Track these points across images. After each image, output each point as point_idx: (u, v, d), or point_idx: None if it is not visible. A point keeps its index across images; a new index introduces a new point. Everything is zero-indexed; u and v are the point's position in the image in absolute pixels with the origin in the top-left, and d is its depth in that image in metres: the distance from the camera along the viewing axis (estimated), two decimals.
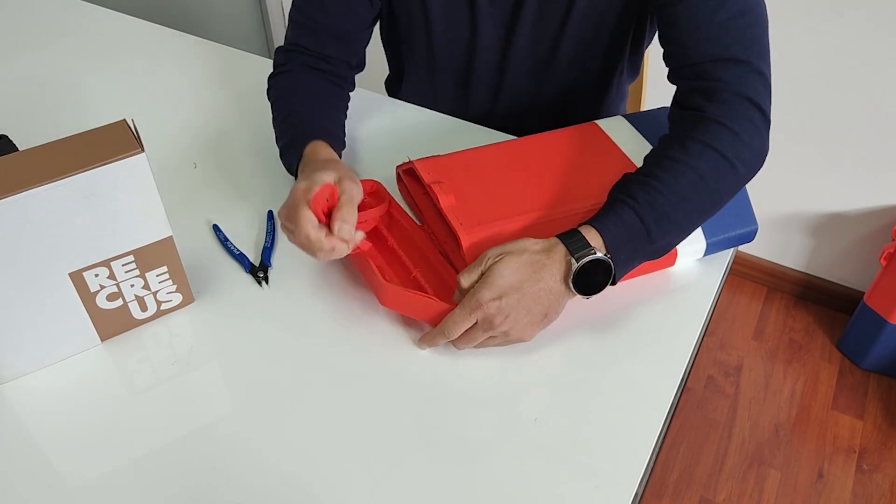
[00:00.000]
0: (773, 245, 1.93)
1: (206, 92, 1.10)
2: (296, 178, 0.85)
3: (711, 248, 0.84)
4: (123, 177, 0.66)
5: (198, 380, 0.73)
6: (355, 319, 0.79)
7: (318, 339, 0.77)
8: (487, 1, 0.96)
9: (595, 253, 0.72)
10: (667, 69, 0.86)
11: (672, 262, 0.83)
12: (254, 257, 0.85)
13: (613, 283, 0.76)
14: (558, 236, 0.75)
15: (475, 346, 0.75)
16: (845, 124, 1.64)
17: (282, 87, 0.96)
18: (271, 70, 0.98)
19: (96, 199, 0.65)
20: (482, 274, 0.74)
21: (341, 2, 0.95)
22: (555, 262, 0.73)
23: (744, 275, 2.01)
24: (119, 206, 0.67)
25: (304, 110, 0.92)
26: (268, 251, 0.85)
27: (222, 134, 1.03)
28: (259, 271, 0.83)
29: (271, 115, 0.95)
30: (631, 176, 0.78)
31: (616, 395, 0.72)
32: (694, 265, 0.86)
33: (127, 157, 0.65)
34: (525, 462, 0.67)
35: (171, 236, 0.73)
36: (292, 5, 0.99)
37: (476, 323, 0.73)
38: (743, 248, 1.96)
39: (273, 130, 0.93)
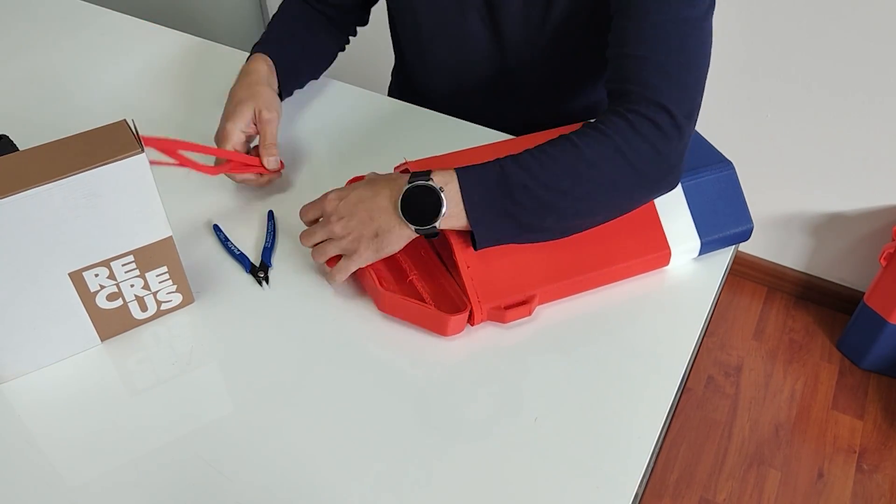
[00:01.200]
0: (773, 245, 1.93)
1: (206, 92, 1.10)
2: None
3: (706, 248, 0.84)
4: (123, 177, 0.66)
5: (198, 380, 0.73)
6: (355, 319, 0.79)
7: (319, 340, 0.77)
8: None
9: (429, 181, 0.73)
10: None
11: (667, 262, 0.83)
12: (254, 257, 0.85)
13: (476, 244, 0.74)
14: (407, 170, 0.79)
15: (317, 252, 0.79)
16: (845, 124, 1.64)
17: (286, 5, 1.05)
18: None
19: (96, 199, 0.65)
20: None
21: None
22: (390, 183, 0.77)
23: (744, 275, 2.01)
24: (119, 206, 0.67)
25: (273, 23, 1.04)
26: (268, 251, 0.85)
27: None
28: (259, 271, 0.83)
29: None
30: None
31: (616, 395, 0.72)
32: (694, 265, 0.86)
33: (127, 157, 0.65)
34: (525, 462, 0.67)
35: (170, 236, 0.73)
36: None
37: (321, 219, 0.79)
38: (743, 248, 1.96)
39: None
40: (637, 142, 0.74)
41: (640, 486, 0.66)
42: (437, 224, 0.73)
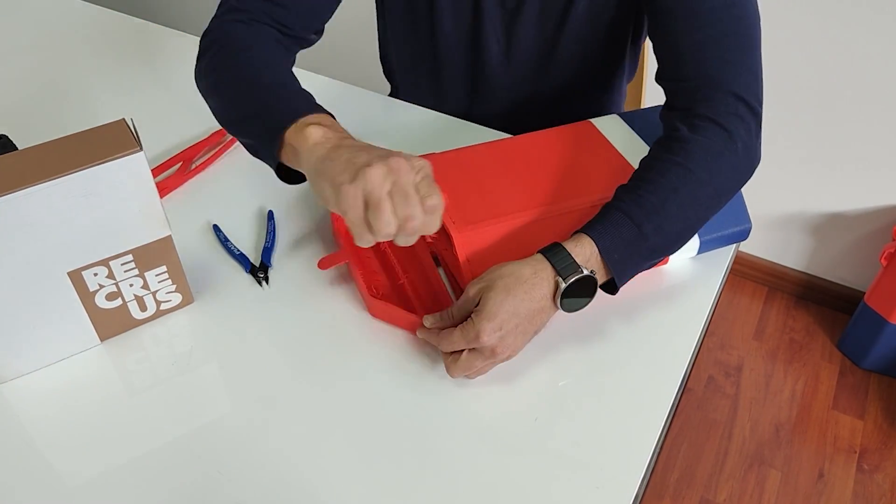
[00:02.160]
0: (773, 245, 1.93)
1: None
2: (275, 157, 0.73)
3: (705, 247, 0.84)
4: (122, 176, 0.66)
5: (197, 380, 0.73)
6: (355, 319, 0.79)
7: (318, 340, 0.77)
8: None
9: (581, 271, 0.71)
10: (656, 71, 0.86)
11: (665, 261, 0.83)
12: (254, 257, 0.85)
13: (614, 291, 0.75)
14: (542, 252, 0.73)
15: (469, 375, 0.72)
16: (845, 124, 1.64)
17: (244, 45, 0.81)
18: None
19: (95, 198, 0.65)
20: (475, 301, 0.71)
21: None
22: (543, 282, 0.71)
23: (744, 275, 2.01)
24: (118, 206, 0.67)
25: (286, 76, 0.79)
26: (268, 251, 0.85)
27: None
28: (259, 271, 0.83)
29: (221, 79, 0.80)
30: (620, 186, 0.78)
31: (617, 396, 0.72)
32: (694, 265, 0.85)
33: (125, 156, 0.65)
34: (525, 462, 0.67)
35: (170, 236, 0.73)
36: None
37: (474, 350, 0.70)
38: (743, 247, 1.96)
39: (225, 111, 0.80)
40: (732, 145, 0.76)
41: (640, 486, 0.66)
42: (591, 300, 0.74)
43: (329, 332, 0.77)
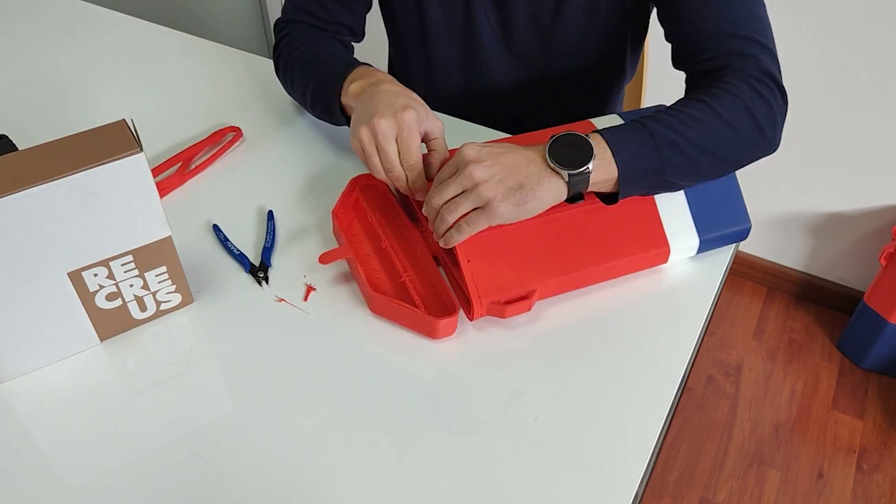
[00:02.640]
0: (773, 245, 1.93)
1: (206, 92, 1.10)
2: (336, 107, 0.88)
3: (704, 246, 0.84)
4: (122, 176, 0.66)
5: (197, 380, 0.73)
6: (354, 319, 0.79)
7: (318, 339, 0.77)
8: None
9: (575, 133, 0.73)
10: (671, 56, 0.88)
11: (665, 260, 0.83)
12: (253, 257, 0.85)
13: (619, 196, 0.75)
14: None
15: (448, 209, 0.73)
16: (845, 124, 1.64)
17: (296, 46, 0.96)
18: (273, 63, 1.02)
19: (95, 198, 0.65)
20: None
21: None
22: (534, 145, 0.75)
23: (744, 275, 2.01)
24: (118, 206, 0.67)
25: (333, 51, 0.95)
26: (268, 251, 0.85)
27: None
28: (259, 271, 0.83)
29: (287, 77, 0.98)
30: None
31: (616, 395, 0.72)
32: (694, 265, 0.85)
33: (125, 157, 0.65)
34: (525, 462, 0.67)
35: (169, 236, 0.73)
36: None
37: (462, 193, 0.73)
38: (743, 247, 1.96)
39: (295, 94, 0.98)
40: (760, 102, 0.79)
41: (640, 485, 0.66)
42: (590, 167, 0.72)
43: (328, 332, 0.77)
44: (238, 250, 0.85)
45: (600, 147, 0.73)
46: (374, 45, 1.22)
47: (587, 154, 0.72)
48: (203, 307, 0.80)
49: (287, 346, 0.76)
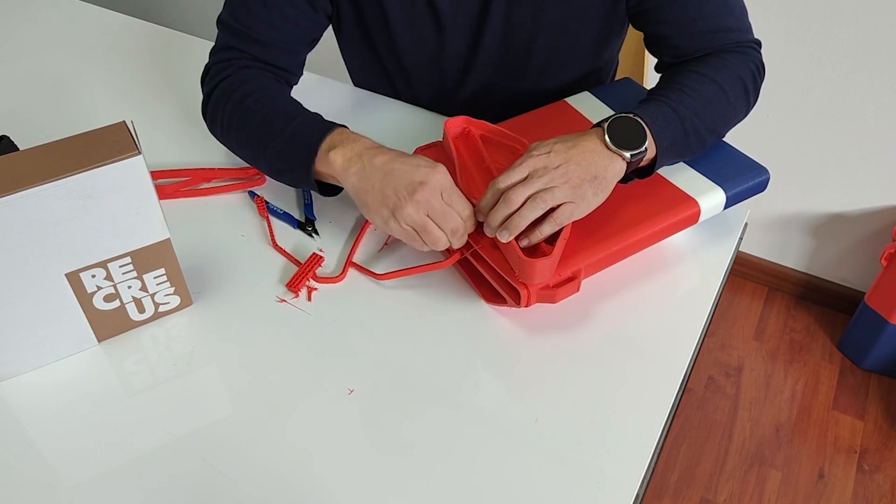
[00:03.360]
0: (773, 245, 1.92)
1: None
2: (307, 176, 0.80)
3: (731, 200, 0.85)
4: (121, 178, 0.65)
5: (196, 381, 0.73)
6: (354, 318, 0.79)
7: (317, 339, 0.77)
8: (452, 12, 0.93)
9: (625, 114, 0.78)
10: (655, 64, 0.93)
11: (696, 219, 0.83)
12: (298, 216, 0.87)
13: (651, 168, 0.81)
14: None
15: (529, 208, 0.73)
16: (846, 124, 1.64)
17: (242, 93, 0.86)
18: (201, 106, 0.92)
19: (93, 200, 0.65)
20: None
21: (288, 21, 0.89)
22: (590, 132, 0.78)
23: (744, 275, 2.01)
24: (116, 208, 0.67)
25: (292, 108, 0.85)
26: (309, 207, 0.89)
27: None
28: (308, 225, 0.87)
29: (229, 130, 0.87)
30: (653, 91, 0.86)
31: (617, 396, 0.72)
32: (694, 265, 0.85)
33: (124, 159, 0.64)
34: (526, 462, 0.67)
35: (168, 239, 0.72)
36: (224, 8, 0.90)
37: (528, 177, 0.74)
38: (743, 248, 1.96)
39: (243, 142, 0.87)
40: (750, 74, 0.87)
41: (640, 486, 0.66)
42: (646, 146, 0.77)
43: (327, 332, 0.77)
44: (281, 210, 0.88)
45: (646, 129, 0.78)
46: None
47: (643, 134, 0.77)
48: (202, 309, 0.80)
49: (287, 347, 0.76)
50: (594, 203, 0.76)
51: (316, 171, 0.81)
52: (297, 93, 1.06)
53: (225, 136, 0.90)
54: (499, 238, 0.74)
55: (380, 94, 1.10)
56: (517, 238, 0.74)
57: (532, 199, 0.73)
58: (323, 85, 1.12)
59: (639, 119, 0.78)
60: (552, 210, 0.74)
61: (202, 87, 0.92)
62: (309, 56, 0.98)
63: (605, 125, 0.77)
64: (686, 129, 0.81)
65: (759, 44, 0.91)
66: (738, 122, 0.88)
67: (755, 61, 0.89)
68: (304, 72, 0.99)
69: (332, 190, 0.85)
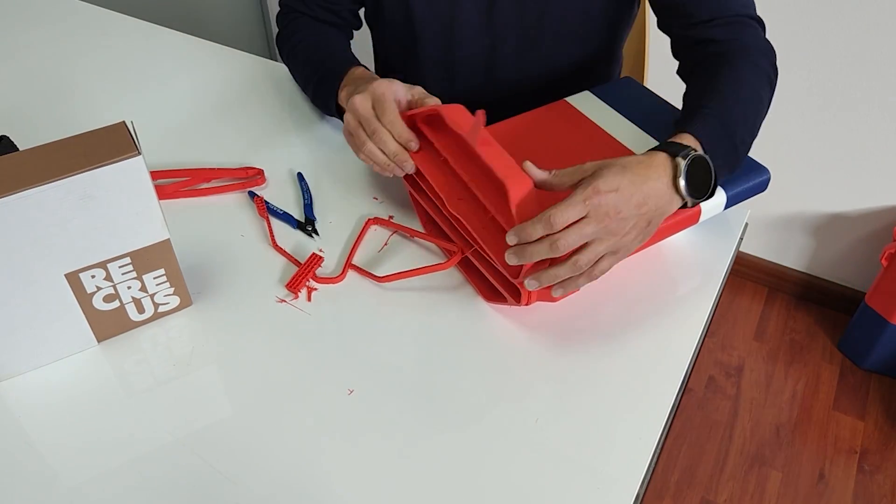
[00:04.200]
0: (773, 245, 1.92)
1: (206, 92, 1.10)
2: (334, 105, 0.94)
3: (731, 200, 0.84)
4: (120, 179, 0.65)
5: (195, 382, 0.73)
6: (354, 319, 0.79)
7: (317, 341, 0.77)
8: None
9: (696, 151, 0.72)
10: (670, 43, 0.93)
11: (696, 220, 0.83)
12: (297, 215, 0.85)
13: (712, 192, 0.76)
14: (655, 147, 0.74)
15: (585, 258, 0.68)
16: (845, 124, 1.64)
17: (299, 38, 1.02)
18: (277, 48, 1.07)
19: (93, 200, 0.65)
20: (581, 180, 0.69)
21: None
22: (659, 165, 0.71)
23: (745, 275, 2.01)
24: (115, 208, 0.67)
25: (332, 51, 1.00)
26: (309, 207, 0.90)
27: (222, 135, 1.03)
28: (307, 225, 0.87)
29: (292, 68, 1.05)
30: (698, 102, 0.82)
31: (617, 396, 0.72)
32: (694, 266, 0.85)
33: (123, 160, 0.64)
34: (526, 462, 0.67)
35: (168, 239, 0.72)
36: None
37: (585, 217, 0.67)
38: (744, 248, 1.96)
39: (298, 85, 1.06)
40: (774, 81, 0.87)
41: (641, 486, 0.65)
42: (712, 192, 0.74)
43: (327, 332, 0.77)
44: (281, 210, 0.88)
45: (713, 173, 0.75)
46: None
47: (710, 180, 0.74)
48: (202, 309, 0.80)
49: (287, 348, 0.76)
50: (635, 245, 0.72)
51: (338, 106, 0.94)
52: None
53: (291, 69, 1.07)
54: (526, 285, 0.70)
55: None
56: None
57: (589, 271, 0.69)
58: None
59: (709, 161, 0.73)
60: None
61: (277, 21, 1.09)
62: None
63: (683, 166, 0.71)
64: (734, 163, 0.80)
65: (762, 24, 0.91)
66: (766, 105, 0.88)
67: (769, 50, 0.88)
68: None
69: None
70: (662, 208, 0.72)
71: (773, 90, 0.87)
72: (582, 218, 0.67)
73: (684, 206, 0.76)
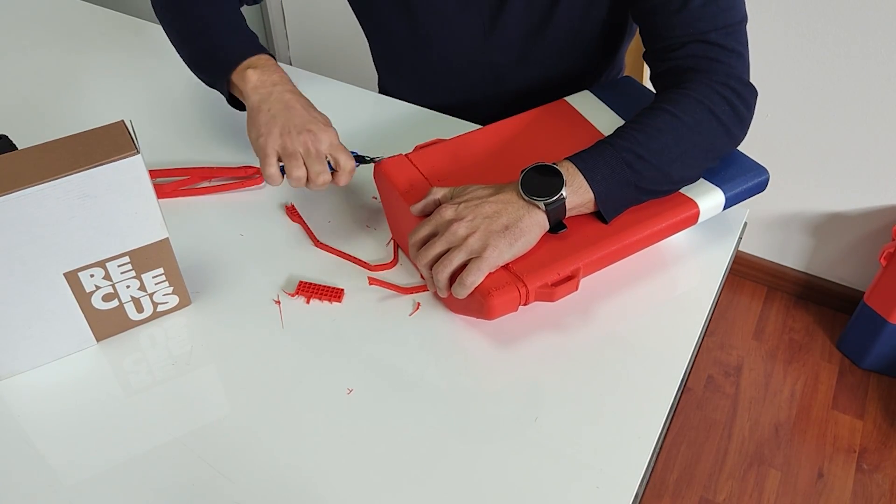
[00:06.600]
0: (773, 245, 1.92)
1: (206, 91, 1.10)
2: (223, 81, 0.88)
3: (731, 201, 0.84)
4: (119, 178, 0.65)
5: (194, 381, 0.73)
6: (354, 319, 0.79)
7: (316, 342, 0.77)
8: None
9: (544, 164, 0.76)
10: (643, 53, 0.91)
11: (696, 220, 0.83)
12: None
13: (604, 216, 0.77)
14: None
15: (440, 267, 0.74)
16: (845, 124, 1.64)
17: None
18: None
19: (91, 199, 0.65)
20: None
21: None
22: (504, 185, 0.77)
23: (744, 275, 2.01)
24: (115, 207, 0.67)
25: (230, 18, 0.92)
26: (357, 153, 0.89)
27: (222, 135, 1.03)
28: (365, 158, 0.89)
29: (167, 18, 0.95)
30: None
31: (616, 395, 0.72)
32: (694, 265, 0.85)
33: (122, 159, 0.64)
34: (525, 462, 0.67)
35: (167, 238, 0.72)
36: None
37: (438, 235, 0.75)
38: (743, 247, 1.96)
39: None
40: (722, 103, 0.82)
41: (640, 485, 0.65)
42: (563, 194, 0.74)
43: (327, 332, 0.77)
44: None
45: (570, 172, 0.76)
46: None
47: (558, 182, 0.75)
48: (201, 309, 0.80)
49: (286, 347, 0.76)
50: (510, 253, 0.73)
51: (231, 81, 0.88)
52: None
53: (162, 18, 0.97)
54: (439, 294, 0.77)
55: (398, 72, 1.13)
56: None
57: (437, 265, 0.74)
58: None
59: (557, 166, 0.76)
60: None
61: None
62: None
63: (523, 172, 0.76)
64: (632, 164, 0.77)
65: (739, 55, 0.84)
66: (723, 149, 0.84)
67: (728, 90, 0.82)
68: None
69: (236, 103, 0.92)
70: (515, 213, 0.74)
71: (718, 115, 0.81)
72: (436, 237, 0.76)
73: (560, 222, 0.77)
